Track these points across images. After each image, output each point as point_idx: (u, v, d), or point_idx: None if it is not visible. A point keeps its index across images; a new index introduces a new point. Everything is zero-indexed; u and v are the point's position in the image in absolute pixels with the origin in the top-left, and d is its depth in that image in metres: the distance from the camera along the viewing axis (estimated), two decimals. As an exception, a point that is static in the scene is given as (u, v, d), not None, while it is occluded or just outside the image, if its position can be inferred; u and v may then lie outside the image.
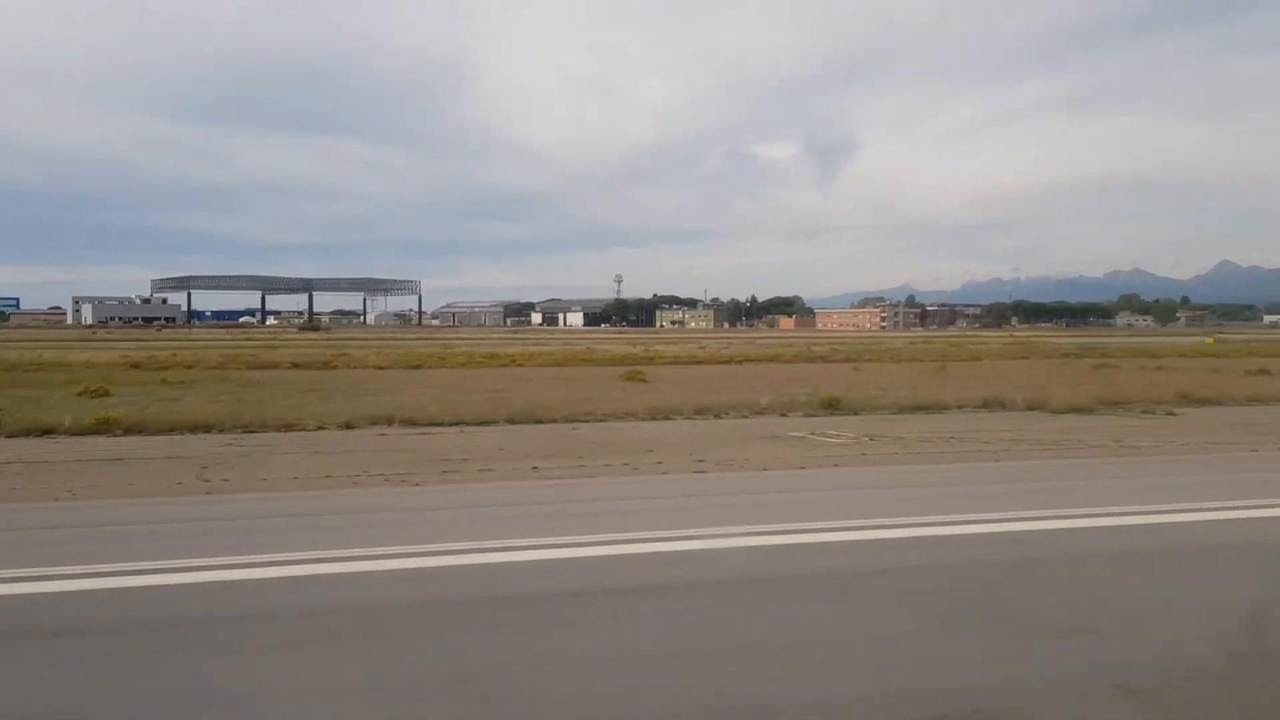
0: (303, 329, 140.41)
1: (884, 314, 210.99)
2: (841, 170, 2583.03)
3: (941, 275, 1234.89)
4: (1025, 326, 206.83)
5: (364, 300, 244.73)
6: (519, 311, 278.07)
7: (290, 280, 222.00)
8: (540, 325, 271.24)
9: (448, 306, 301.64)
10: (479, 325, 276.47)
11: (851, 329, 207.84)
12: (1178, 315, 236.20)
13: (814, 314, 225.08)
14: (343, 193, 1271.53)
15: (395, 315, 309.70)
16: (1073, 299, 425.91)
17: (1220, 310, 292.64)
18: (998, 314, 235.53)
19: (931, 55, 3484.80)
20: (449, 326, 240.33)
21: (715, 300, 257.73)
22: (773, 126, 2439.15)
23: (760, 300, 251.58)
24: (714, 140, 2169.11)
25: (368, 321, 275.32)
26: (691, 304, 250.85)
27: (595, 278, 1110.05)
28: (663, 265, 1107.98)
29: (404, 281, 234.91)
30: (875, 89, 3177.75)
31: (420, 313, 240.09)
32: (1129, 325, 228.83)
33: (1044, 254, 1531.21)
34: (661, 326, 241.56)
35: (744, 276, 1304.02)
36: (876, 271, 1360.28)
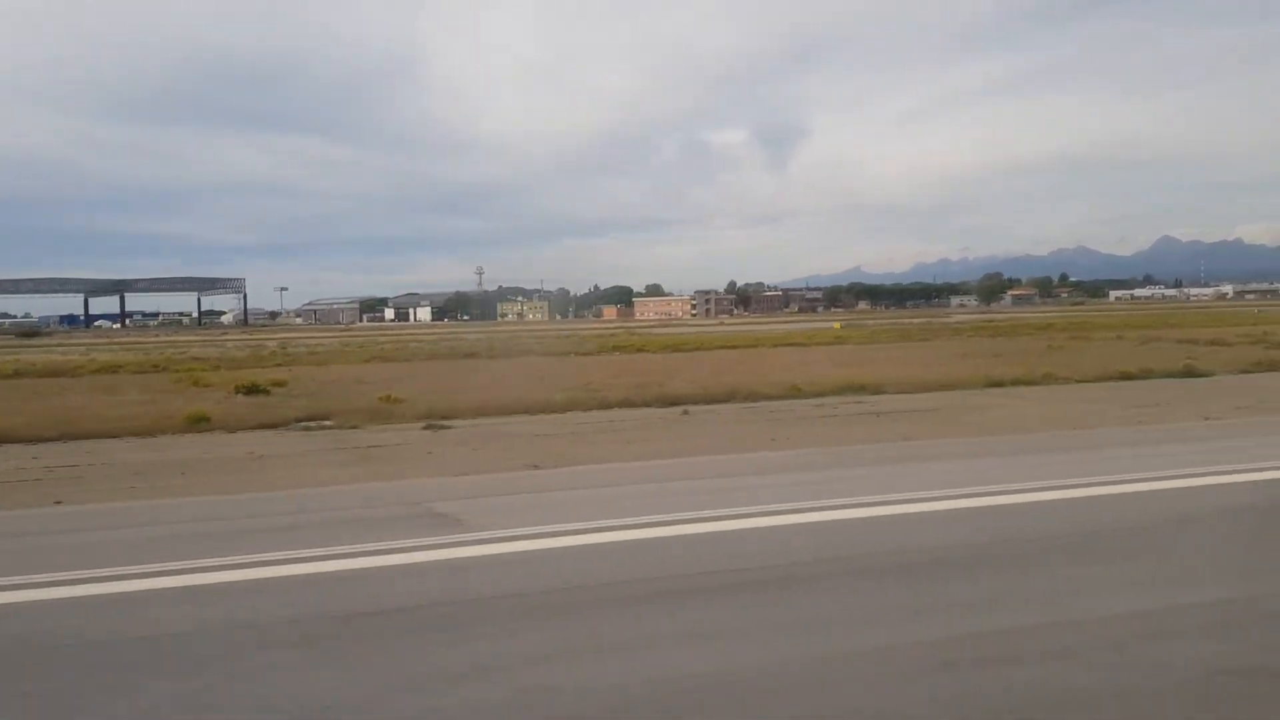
0: (21, 334, 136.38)
1: (694, 302, 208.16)
2: (795, 155, 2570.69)
3: (892, 257, 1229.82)
4: (841, 311, 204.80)
5: (198, 299, 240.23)
6: (373, 307, 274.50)
7: (103, 282, 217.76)
8: (392, 320, 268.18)
9: (310, 304, 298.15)
10: (335, 323, 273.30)
11: (663, 316, 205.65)
12: (1003, 295, 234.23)
13: (632, 304, 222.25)
14: (296, 191, 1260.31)
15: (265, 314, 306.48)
16: (1016, 276, 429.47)
17: (1089, 288, 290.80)
18: (831, 298, 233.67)
19: (880, 38, 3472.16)
20: (283, 325, 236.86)
21: (561, 289, 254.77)
22: (725, 113, 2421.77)
23: (604, 288, 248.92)
24: (668, 128, 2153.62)
25: (225, 321, 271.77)
26: (529, 295, 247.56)
27: (551, 269, 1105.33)
28: (621, 255, 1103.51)
29: (230, 280, 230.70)
30: (825, 73, 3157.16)
31: (246, 311, 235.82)
32: (962, 305, 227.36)
33: (993, 234, 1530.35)
34: (502, 318, 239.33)
35: (701, 264, 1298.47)
36: (829, 256, 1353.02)
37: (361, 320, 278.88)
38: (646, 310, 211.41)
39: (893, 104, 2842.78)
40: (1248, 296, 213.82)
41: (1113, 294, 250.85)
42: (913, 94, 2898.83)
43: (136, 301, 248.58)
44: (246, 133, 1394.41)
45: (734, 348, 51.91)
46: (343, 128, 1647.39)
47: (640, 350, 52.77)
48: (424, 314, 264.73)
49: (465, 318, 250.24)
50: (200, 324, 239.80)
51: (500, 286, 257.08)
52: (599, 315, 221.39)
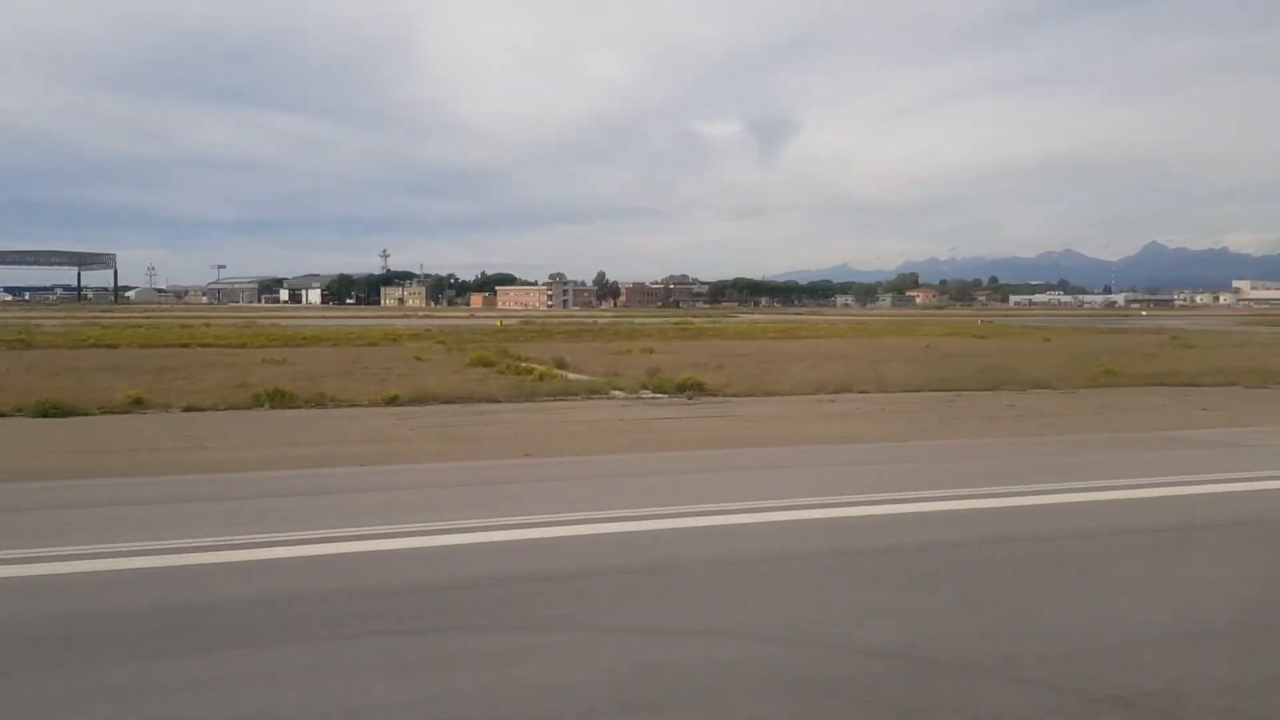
0: None
1: (550, 292, 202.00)
2: (784, 149, 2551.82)
3: (880, 254, 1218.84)
4: (707, 306, 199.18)
5: (78, 274, 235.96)
6: (270, 288, 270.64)
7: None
8: (286, 302, 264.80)
9: (214, 283, 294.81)
10: (234, 302, 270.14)
11: (521, 307, 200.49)
12: (879, 297, 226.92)
13: (496, 292, 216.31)
14: (277, 168, 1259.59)
15: (158, 291, 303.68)
16: (1003, 279, 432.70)
17: (1011, 290, 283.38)
18: (715, 294, 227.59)
19: (873, 34, 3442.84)
20: (160, 304, 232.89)
21: (451, 274, 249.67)
22: (716, 104, 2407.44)
23: (489, 275, 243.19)
24: (658, 118, 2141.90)
25: (131, 297, 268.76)
26: (409, 280, 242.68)
27: (538, 256, 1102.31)
28: (606, 244, 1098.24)
29: (100, 255, 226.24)
30: (818, 66, 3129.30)
31: (117, 287, 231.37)
32: (846, 305, 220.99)
33: (981, 234, 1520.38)
34: (384, 304, 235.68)
35: (686, 255, 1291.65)
36: (816, 252, 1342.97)
37: (260, 300, 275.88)
38: (508, 299, 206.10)
39: (884, 100, 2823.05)
40: (1132, 306, 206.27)
41: (1013, 299, 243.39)
42: (904, 91, 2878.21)
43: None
44: (231, 108, 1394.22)
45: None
46: (329, 106, 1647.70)
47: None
48: (315, 296, 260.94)
49: (350, 300, 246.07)
50: (110, 300, 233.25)
51: (388, 270, 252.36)
52: (468, 303, 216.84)
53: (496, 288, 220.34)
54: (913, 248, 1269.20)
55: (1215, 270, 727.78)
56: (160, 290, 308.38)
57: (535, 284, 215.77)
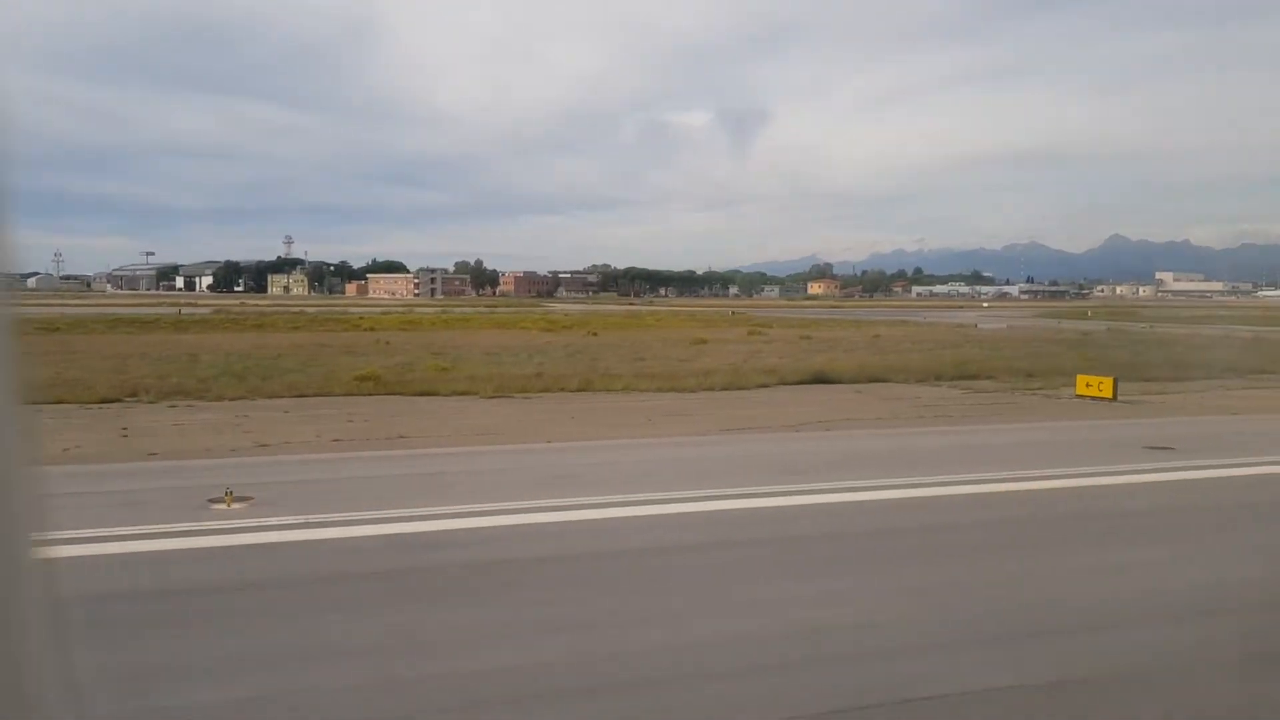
0: None
1: (417, 281, 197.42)
2: (755, 140, 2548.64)
3: (849, 245, 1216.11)
4: (585, 296, 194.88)
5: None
6: (167, 275, 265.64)
7: None
8: (181, 289, 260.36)
9: (118, 270, 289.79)
10: (132, 289, 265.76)
11: (389, 295, 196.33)
12: (763, 288, 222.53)
13: (366, 280, 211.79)
14: (247, 156, 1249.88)
15: (63, 279, 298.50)
16: (968, 270, 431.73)
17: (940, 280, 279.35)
18: (605, 283, 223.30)
19: (844, 24, 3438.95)
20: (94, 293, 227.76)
21: (339, 262, 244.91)
22: (686, 95, 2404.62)
23: (364, 266, 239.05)
24: (628, 107, 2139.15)
25: (31, 285, 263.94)
26: (292, 268, 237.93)
27: (508, 245, 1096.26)
28: (578, 234, 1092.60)
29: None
30: (789, 57, 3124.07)
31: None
32: (735, 296, 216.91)
33: (949, 226, 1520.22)
34: (271, 292, 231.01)
35: (653, 246, 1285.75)
36: (786, 242, 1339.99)
37: (159, 288, 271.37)
38: (377, 288, 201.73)
39: (854, 92, 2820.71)
40: (1022, 298, 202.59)
41: (915, 290, 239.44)
42: (874, 83, 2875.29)
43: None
44: (197, 95, 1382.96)
45: None
46: (297, 94, 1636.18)
47: None
48: (208, 283, 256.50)
49: (238, 288, 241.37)
50: None
51: (280, 257, 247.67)
52: (342, 292, 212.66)
53: (367, 276, 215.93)
54: (883, 238, 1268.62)
55: (1177, 263, 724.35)
56: (66, 278, 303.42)
57: (409, 272, 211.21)
